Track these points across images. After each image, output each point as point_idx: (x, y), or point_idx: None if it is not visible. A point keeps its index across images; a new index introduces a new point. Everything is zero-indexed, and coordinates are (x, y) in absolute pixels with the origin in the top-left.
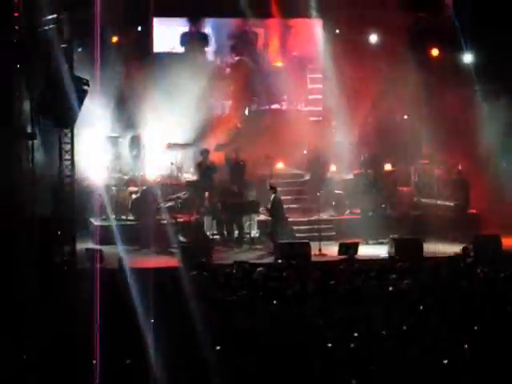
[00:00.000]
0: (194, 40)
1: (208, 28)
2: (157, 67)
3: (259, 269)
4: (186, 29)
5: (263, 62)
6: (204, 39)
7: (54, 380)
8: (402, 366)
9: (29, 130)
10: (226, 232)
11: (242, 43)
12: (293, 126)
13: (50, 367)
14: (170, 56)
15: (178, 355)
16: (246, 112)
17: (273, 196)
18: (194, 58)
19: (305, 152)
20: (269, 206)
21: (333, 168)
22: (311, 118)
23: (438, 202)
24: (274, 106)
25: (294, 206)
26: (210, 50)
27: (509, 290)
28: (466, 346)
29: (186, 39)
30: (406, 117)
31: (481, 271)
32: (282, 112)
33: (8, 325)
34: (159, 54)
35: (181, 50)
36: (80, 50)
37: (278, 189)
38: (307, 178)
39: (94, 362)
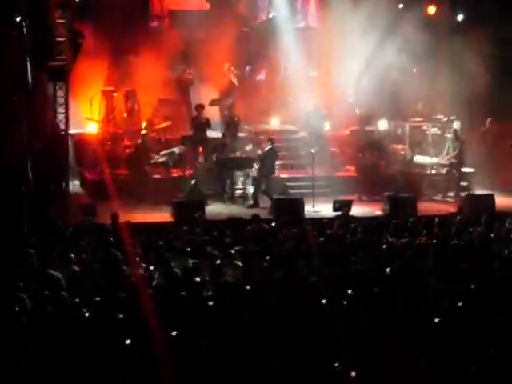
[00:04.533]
0: None
1: None
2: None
3: (252, 225)
4: None
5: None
6: None
7: None
8: (391, 324)
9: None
10: (219, 187)
11: None
12: (288, 82)
13: None
14: None
15: (169, 309)
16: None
17: (267, 148)
18: None
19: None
20: (260, 153)
21: (328, 125)
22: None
23: (432, 160)
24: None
25: (288, 162)
26: None
27: (499, 249)
28: (460, 303)
29: None
30: (414, 70)
31: (473, 230)
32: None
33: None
34: None
35: None
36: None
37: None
38: (302, 134)
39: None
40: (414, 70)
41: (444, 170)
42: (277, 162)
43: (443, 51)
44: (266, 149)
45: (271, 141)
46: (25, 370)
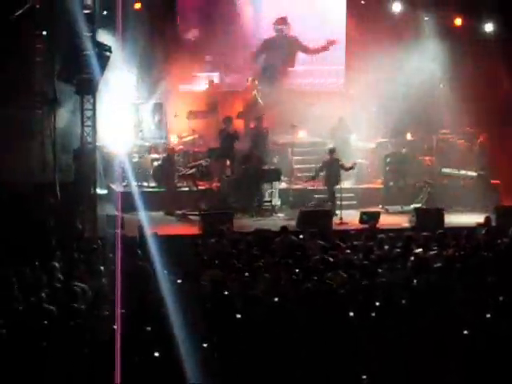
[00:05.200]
0: None
1: None
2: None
3: (280, 237)
4: None
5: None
6: None
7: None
8: (419, 336)
9: (51, 96)
10: (247, 200)
11: None
12: (314, 95)
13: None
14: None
15: (198, 323)
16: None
17: (328, 158)
18: None
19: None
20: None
21: (354, 137)
22: (332, 89)
23: (460, 172)
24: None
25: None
26: None
27: None
28: (489, 315)
29: None
30: (441, 86)
31: (501, 242)
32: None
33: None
34: None
35: None
36: (105, 13)
37: (299, 157)
38: (330, 146)
39: (115, 327)
40: (442, 85)
41: (472, 182)
42: (305, 174)
43: (470, 62)
44: (327, 159)
45: (332, 150)
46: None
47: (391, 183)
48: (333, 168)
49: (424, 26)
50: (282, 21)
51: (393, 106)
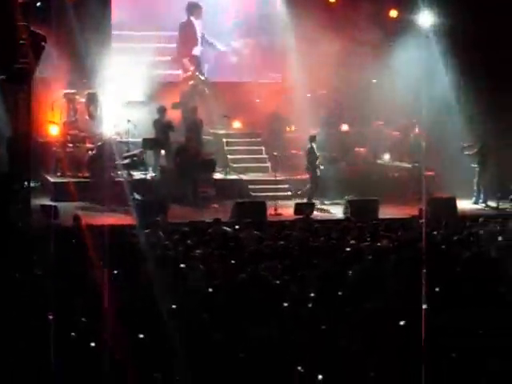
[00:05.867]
0: None
1: None
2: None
3: (214, 228)
4: None
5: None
6: None
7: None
8: (355, 326)
9: None
10: (182, 190)
11: None
12: (250, 86)
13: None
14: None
15: (133, 313)
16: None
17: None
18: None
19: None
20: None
21: (290, 128)
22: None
23: (394, 164)
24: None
25: (250, 165)
26: None
27: (461, 252)
28: (424, 306)
29: None
30: (374, 81)
31: (437, 233)
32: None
33: None
34: None
35: None
36: (38, 4)
37: (233, 148)
38: (265, 137)
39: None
40: (374, 80)
41: (406, 173)
42: (240, 165)
43: (404, 53)
44: (308, 147)
45: (312, 138)
46: None
47: (321, 167)
48: (314, 155)
49: (361, 17)
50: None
51: (328, 98)
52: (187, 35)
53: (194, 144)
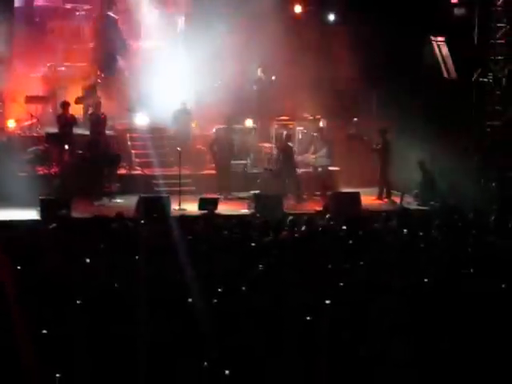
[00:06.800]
0: None
1: None
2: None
3: (117, 223)
4: None
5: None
6: None
7: None
8: (261, 321)
9: None
10: (86, 185)
11: None
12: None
13: None
14: None
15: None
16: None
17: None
18: None
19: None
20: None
21: (194, 123)
22: None
23: (299, 158)
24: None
25: (155, 159)
26: None
27: (364, 247)
28: (328, 301)
29: None
30: (273, 78)
31: (340, 229)
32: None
33: None
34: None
35: None
36: None
37: (138, 143)
38: (169, 132)
39: None
40: (273, 77)
41: (310, 169)
42: (145, 160)
43: (309, 51)
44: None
45: (287, 136)
46: None
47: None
48: (289, 153)
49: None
50: None
51: (229, 93)
52: None
53: (98, 138)
